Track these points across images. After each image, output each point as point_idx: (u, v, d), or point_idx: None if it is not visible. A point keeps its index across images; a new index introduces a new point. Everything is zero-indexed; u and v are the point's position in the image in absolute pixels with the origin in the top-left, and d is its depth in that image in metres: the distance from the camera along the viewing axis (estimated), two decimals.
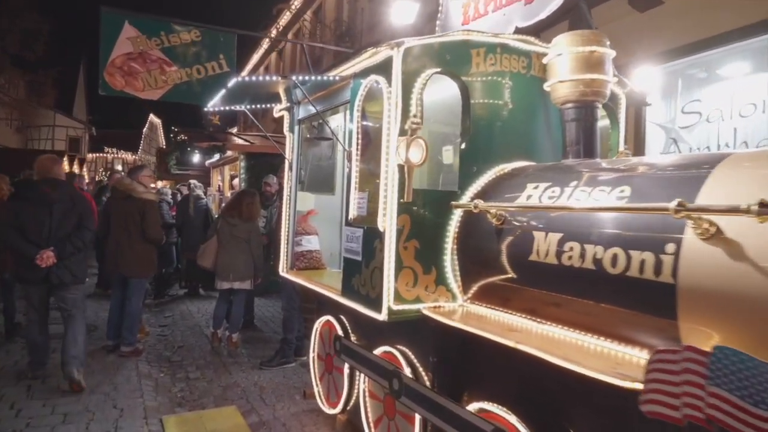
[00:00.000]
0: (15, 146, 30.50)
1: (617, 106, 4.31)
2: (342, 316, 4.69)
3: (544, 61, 3.69)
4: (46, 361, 5.84)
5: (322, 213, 5.55)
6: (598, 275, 2.59)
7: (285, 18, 21.49)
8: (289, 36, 23.84)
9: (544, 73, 4.03)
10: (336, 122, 5.38)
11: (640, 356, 2.47)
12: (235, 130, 22.33)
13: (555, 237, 2.84)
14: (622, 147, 4.39)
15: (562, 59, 3.46)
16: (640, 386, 2.14)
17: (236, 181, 9.36)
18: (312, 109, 4.95)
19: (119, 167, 39.50)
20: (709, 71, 6.62)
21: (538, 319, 3.03)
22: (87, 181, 12.57)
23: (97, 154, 46.65)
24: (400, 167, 3.39)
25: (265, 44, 24.21)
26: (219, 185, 15.14)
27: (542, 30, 6.71)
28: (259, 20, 23.55)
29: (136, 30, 6.84)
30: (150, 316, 9.11)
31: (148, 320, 8.58)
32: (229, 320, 7.40)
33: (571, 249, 2.73)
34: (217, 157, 14.17)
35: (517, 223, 3.13)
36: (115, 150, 47.50)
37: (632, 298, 2.47)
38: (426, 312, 3.38)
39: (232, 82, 3.88)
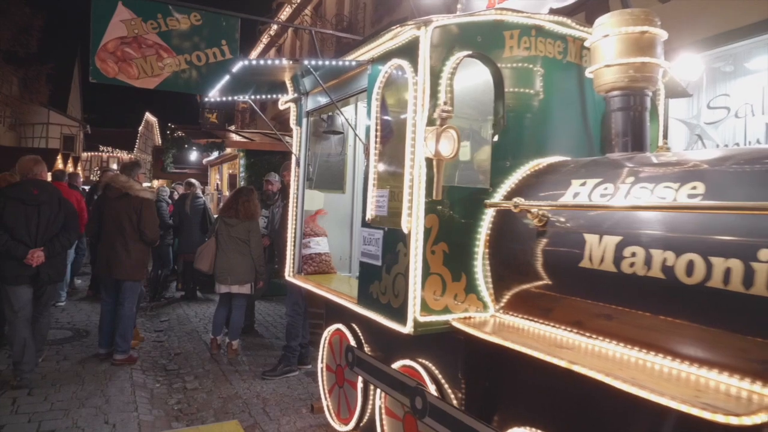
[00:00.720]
0: (8, 144, 30.01)
1: (656, 96, 3.95)
2: (354, 325, 4.32)
3: (586, 44, 3.33)
4: (33, 361, 5.52)
5: (330, 213, 5.17)
6: (668, 285, 2.22)
7: (285, 13, 21.10)
8: (289, 32, 23.46)
9: (581, 59, 3.70)
10: (346, 114, 5.00)
11: (720, 381, 2.10)
12: (233, 128, 21.90)
13: (612, 241, 2.47)
14: (661, 141, 4.03)
15: (609, 41, 3.09)
16: (736, 421, 1.78)
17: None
18: (321, 100, 4.58)
19: (114, 166, 39.03)
20: (735, 64, 6.30)
21: (587, 334, 2.66)
22: (81, 179, 12.13)
23: (92, 153, 46.14)
24: (429, 161, 3.02)
25: (265, 40, 23.82)
26: (217, 184, 14.73)
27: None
28: (258, 15, 23.10)
29: (130, 11, 6.32)
30: (145, 320, 8.71)
31: (142, 325, 8.19)
32: (229, 326, 7.01)
33: (634, 255, 2.36)
34: (215, 154, 13.76)
35: (564, 225, 2.76)
36: (110, 149, 47.00)
37: (713, 312, 2.10)
38: (456, 324, 3.01)
39: (238, 66, 3.50)
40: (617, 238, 2.44)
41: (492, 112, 4.01)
